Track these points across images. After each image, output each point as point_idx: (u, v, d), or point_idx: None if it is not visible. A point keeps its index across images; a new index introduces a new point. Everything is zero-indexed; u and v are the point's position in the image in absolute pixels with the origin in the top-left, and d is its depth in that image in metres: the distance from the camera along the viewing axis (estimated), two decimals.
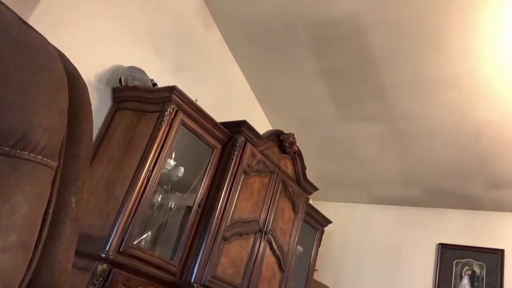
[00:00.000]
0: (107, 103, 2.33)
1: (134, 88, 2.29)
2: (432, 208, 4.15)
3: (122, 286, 1.87)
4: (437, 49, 2.63)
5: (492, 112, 2.90)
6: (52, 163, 0.52)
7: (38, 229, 0.51)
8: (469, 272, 3.76)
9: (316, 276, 3.69)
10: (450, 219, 4.04)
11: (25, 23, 0.56)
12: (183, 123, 2.22)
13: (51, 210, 0.53)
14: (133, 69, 2.34)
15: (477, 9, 2.33)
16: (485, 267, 3.71)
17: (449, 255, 3.90)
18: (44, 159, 0.50)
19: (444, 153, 3.41)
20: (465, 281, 3.75)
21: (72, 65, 0.63)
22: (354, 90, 3.18)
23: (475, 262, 3.77)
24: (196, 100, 2.31)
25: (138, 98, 2.27)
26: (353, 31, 2.71)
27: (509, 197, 3.63)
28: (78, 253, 0.68)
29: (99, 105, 2.27)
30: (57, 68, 0.56)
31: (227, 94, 3.15)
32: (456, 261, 3.85)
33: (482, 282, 3.67)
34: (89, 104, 0.63)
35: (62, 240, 0.55)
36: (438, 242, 3.99)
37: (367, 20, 2.62)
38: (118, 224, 1.89)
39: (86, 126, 0.60)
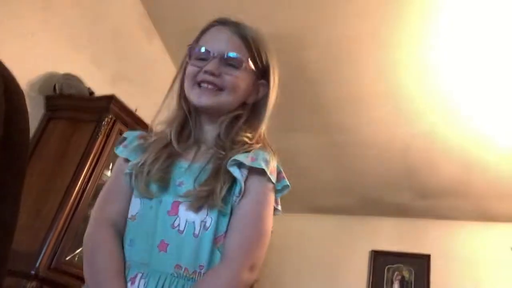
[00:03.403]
0: (40, 111, 2.20)
1: (70, 96, 2.19)
2: (365, 217, 4.34)
3: None
4: (366, 67, 2.80)
5: (417, 128, 3.12)
6: None
7: None
8: (399, 277, 3.98)
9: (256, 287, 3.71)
10: (382, 226, 4.25)
11: None
12: (121, 134, 2.16)
13: None
14: (69, 77, 2.24)
15: (399, 34, 2.52)
16: (413, 272, 3.94)
17: (381, 261, 4.09)
18: None
19: (376, 165, 3.60)
20: (396, 286, 3.95)
21: (8, 70, 0.60)
22: (294, 104, 3.28)
23: (404, 268, 3.99)
24: (136, 109, 2.26)
25: (74, 107, 2.18)
26: (291, 47, 2.80)
27: (434, 206, 3.90)
28: None
29: (30, 114, 2.14)
30: None
31: (168, 105, 3.09)
32: (387, 266, 4.05)
33: (411, 287, 3.89)
34: (26, 112, 0.60)
35: None
36: (371, 249, 4.18)
37: (304, 38, 2.72)
38: (49, 239, 1.79)
39: (22, 136, 0.57)
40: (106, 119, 2.06)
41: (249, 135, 0.89)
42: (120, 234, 0.84)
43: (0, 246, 0.54)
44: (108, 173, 2.18)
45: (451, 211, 3.91)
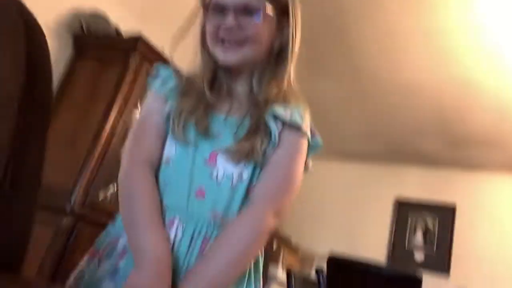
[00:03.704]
0: (68, 51, 2.19)
1: (97, 36, 2.17)
2: (391, 165, 4.30)
3: (89, 240, 1.86)
4: (401, 9, 2.63)
5: (451, 74, 2.97)
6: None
7: None
8: (423, 226, 3.99)
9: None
10: (408, 175, 4.22)
11: None
12: (149, 74, 2.14)
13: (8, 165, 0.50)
14: (95, 15, 2.20)
15: None
16: (437, 221, 3.94)
17: (405, 210, 4.10)
18: None
19: (406, 112, 3.50)
20: (419, 234, 3.98)
21: (29, 11, 0.58)
22: (324, 48, 3.16)
23: (428, 217, 3.99)
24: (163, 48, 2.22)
25: (102, 47, 2.16)
26: None
27: (464, 155, 3.81)
28: (40, 207, 0.65)
29: (59, 53, 2.14)
30: (12, 15, 0.51)
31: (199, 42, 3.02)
32: (411, 215, 4.06)
33: (434, 236, 3.90)
34: (48, 54, 0.59)
35: (21, 199, 0.52)
36: (395, 196, 4.17)
37: None
38: (82, 177, 1.84)
39: (45, 76, 0.56)
40: (134, 59, 2.04)
41: (277, 88, 0.89)
42: (155, 173, 0.84)
43: (30, 186, 0.54)
44: (137, 112, 2.19)
45: (481, 161, 3.82)
